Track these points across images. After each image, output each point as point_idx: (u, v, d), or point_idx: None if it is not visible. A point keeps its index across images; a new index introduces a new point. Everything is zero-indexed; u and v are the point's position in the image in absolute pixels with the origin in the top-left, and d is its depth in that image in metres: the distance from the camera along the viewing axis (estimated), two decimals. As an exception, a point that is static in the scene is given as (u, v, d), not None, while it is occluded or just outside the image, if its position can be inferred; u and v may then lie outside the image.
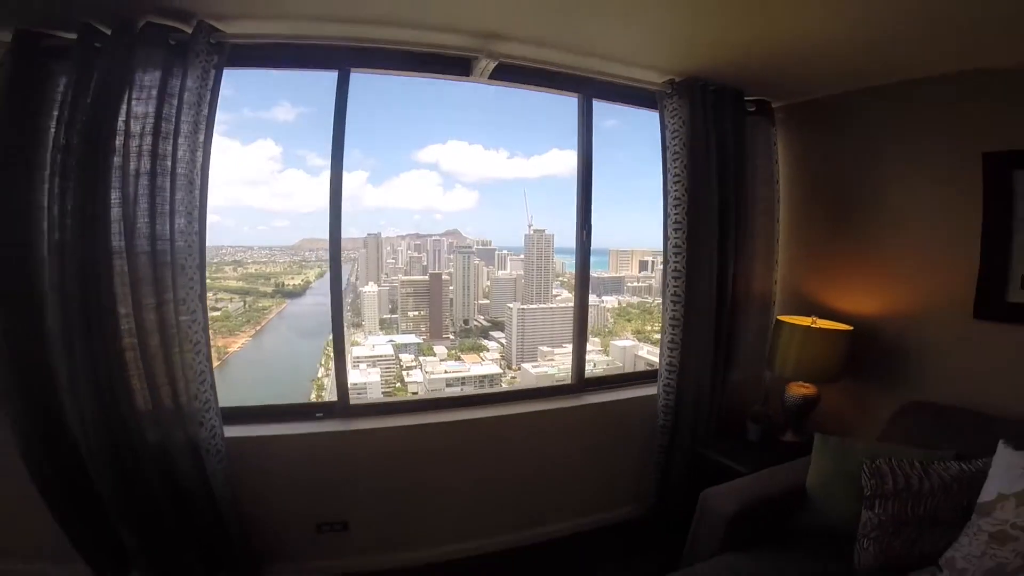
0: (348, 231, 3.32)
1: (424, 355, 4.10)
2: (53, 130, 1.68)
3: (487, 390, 3.33)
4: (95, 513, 1.88)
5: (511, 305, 4.60)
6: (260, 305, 4.01)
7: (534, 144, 3.90)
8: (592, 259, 2.60)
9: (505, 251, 4.70)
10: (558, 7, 1.71)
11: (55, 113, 1.68)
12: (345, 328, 3.84)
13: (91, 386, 1.72)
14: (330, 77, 2.06)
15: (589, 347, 2.72)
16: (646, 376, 2.75)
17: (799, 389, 2.35)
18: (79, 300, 1.66)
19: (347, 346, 3.57)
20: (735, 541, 1.80)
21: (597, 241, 2.57)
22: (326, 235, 2.19)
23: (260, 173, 3.58)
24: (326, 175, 2.10)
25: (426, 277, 4.55)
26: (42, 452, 1.80)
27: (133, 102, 1.63)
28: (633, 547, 2.47)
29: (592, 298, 2.75)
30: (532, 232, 4.24)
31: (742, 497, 1.88)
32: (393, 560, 2.29)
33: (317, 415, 2.25)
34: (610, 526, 2.63)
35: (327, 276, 2.26)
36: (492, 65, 2.04)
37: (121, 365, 1.74)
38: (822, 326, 2.28)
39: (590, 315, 2.68)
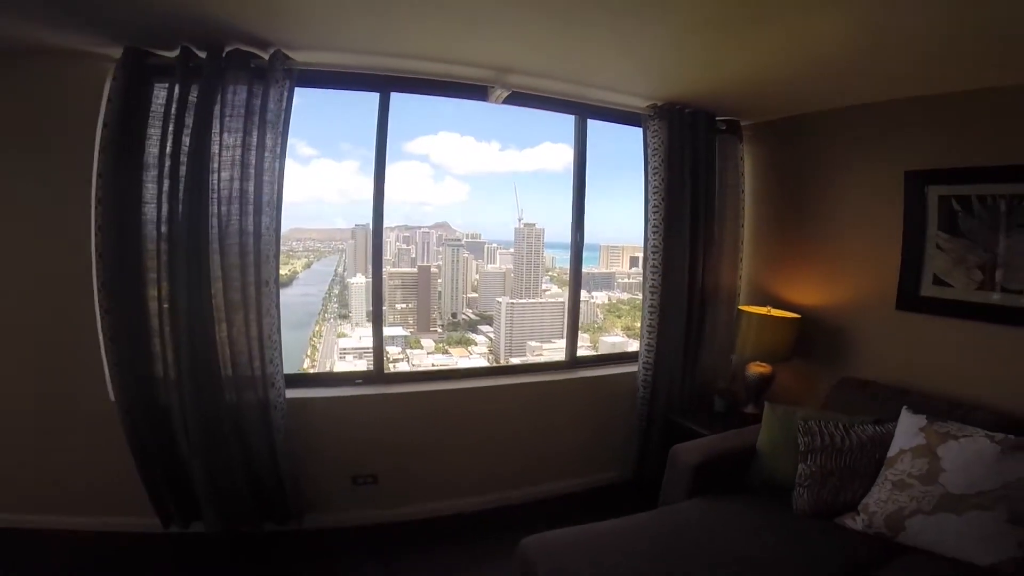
0: (335, 222, 3.67)
1: (411, 348, 4.08)
2: (157, 137, 2.11)
3: (495, 364, 3.67)
4: (175, 470, 2.28)
5: (500, 299, 4.54)
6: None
7: (527, 137, 3.91)
8: (583, 254, 3.04)
9: (495, 244, 4.63)
10: (562, 46, 2.14)
11: (159, 123, 2.11)
12: (331, 319, 4.21)
13: (186, 355, 2.13)
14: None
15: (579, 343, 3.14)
16: (629, 357, 3.18)
17: (757, 368, 2.77)
18: (184, 282, 2.08)
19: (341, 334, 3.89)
20: (699, 488, 2.18)
21: (588, 236, 3.00)
22: (314, 225, 2.61)
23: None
24: (316, 165, 2.52)
25: (415, 269, 4.50)
26: (139, 415, 2.20)
27: (225, 118, 2.08)
28: (616, 505, 2.87)
29: (582, 294, 3.15)
30: (523, 226, 4.17)
31: (705, 451, 2.29)
32: (424, 510, 2.70)
33: (357, 381, 2.67)
34: (598, 488, 3.03)
35: (314, 267, 2.59)
36: (506, 94, 2.49)
37: (211, 339, 2.16)
38: (775, 315, 2.71)
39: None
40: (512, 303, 4.40)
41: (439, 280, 4.66)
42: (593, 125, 2.91)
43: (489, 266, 4.37)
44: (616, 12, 1.74)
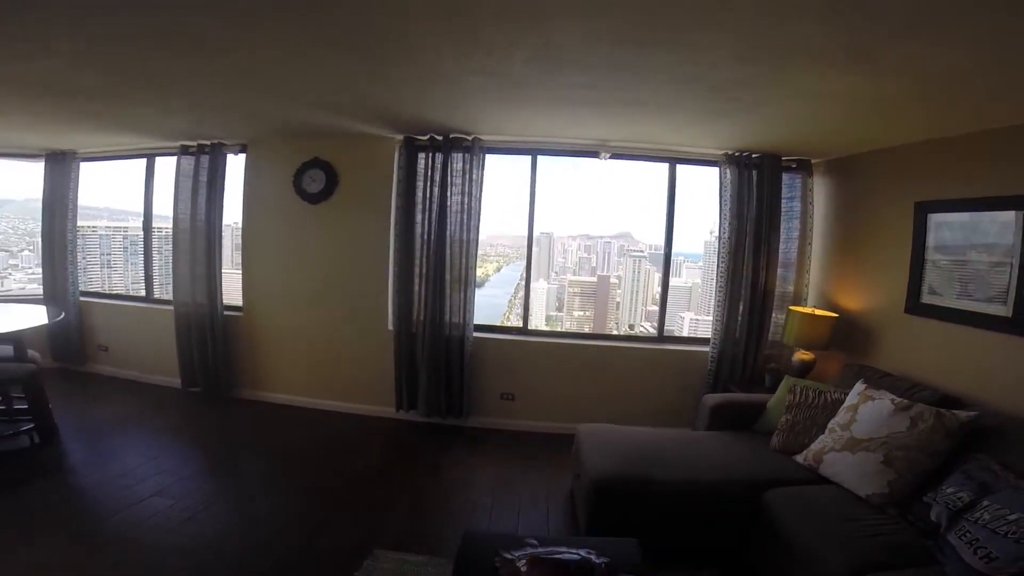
0: (520, 229, 4.45)
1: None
2: (421, 187, 4.05)
3: (605, 332, 4.80)
4: (411, 375, 4.15)
5: (684, 315, 4.75)
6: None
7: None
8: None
9: (681, 257, 4.68)
10: (642, 127, 3.35)
11: (422, 179, 4.02)
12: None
13: (429, 308, 4.01)
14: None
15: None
16: (703, 340, 4.12)
17: (802, 355, 3.48)
18: (433, 269, 3.97)
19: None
20: (716, 424, 3.16)
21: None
22: (510, 231, 4.15)
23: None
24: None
25: (594, 278, 4.93)
26: (404, 339, 4.16)
27: (453, 175, 3.90)
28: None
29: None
30: (714, 238, 4.14)
31: (724, 400, 3.25)
32: (541, 426, 4.17)
33: (511, 332, 4.34)
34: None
35: (503, 271, 3.97)
36: (608, 155, 3.83)
37: (442, 301, 4.01)
38: (817, 313, 3.40)
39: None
40: (696, 320, 4.62)
41: (618, 290, 5.03)
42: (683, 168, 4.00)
43: (674, 279, 4.34)
44: (708, 113, 2.80)
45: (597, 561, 1.71)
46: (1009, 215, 2.37)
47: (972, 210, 2.58)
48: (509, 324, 4.56)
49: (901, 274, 2.98)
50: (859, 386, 2.66)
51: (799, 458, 2.64)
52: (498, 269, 5.48)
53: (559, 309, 5.14)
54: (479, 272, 4.55)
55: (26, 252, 6.33)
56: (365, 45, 2.13)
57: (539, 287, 4.98)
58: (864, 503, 2.26)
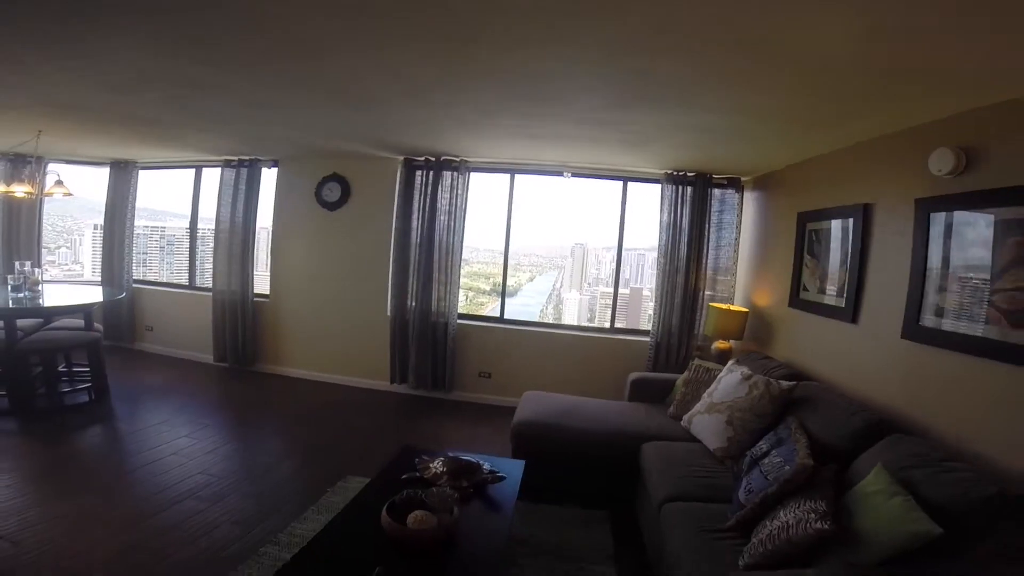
0: (554, 241, 5.15)
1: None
2: (418, 197, 4.91)
3: (565, 323, 5.52)
4: (403, 353, 5.00)
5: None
6: (479, 301, 5.58)
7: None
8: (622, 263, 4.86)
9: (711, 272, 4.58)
10: (595, 154, 4.17)
11: (419, 191, 4.89)
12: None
13: (420, 298, 4.86)
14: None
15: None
16: (645, 332, 4.84)
17: (721, 344, 4.17)
18: (422, 270, 4.83)
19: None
20: (635, 396, 3.86)
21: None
22: (544, 243, 5.00)
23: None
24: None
25: (627, 290, 5.04)
26: (399, 324, 5.03)
27: (441, 189, 4.76)
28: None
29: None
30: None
31: (638, 376, 3.98)
32: (511, 400, 4.90)
33: (491, 321, 5.12)
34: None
35: (536, 280, 4.75)
36: (570, 174, 4.66)
37: (430, 293, 4.85)
38: (731, 309, 4.11)
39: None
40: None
41: (651, 302, 5.06)
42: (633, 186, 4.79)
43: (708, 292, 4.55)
44: (630, 143, 3.64)
45: (485, 465, 2.47)
46: (849, 222, 3.06)
47: (827, 219, 3.28)
48: (488, 313, 5.34)
49: (788, 274, 3.67)
50: (730, 363, 3.34)
51: (683, 421, 3.27)
52: (531, 279, 5.87)
53: (591, 320, 5.41)
54: (511, 281, 5.29)
55: (63, 249, 7.34)
56: (374, 105, 3.01)
57: (571, 297, 5.48)
58: (711, 455, 2.82)
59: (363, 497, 2.28)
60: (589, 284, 5.58)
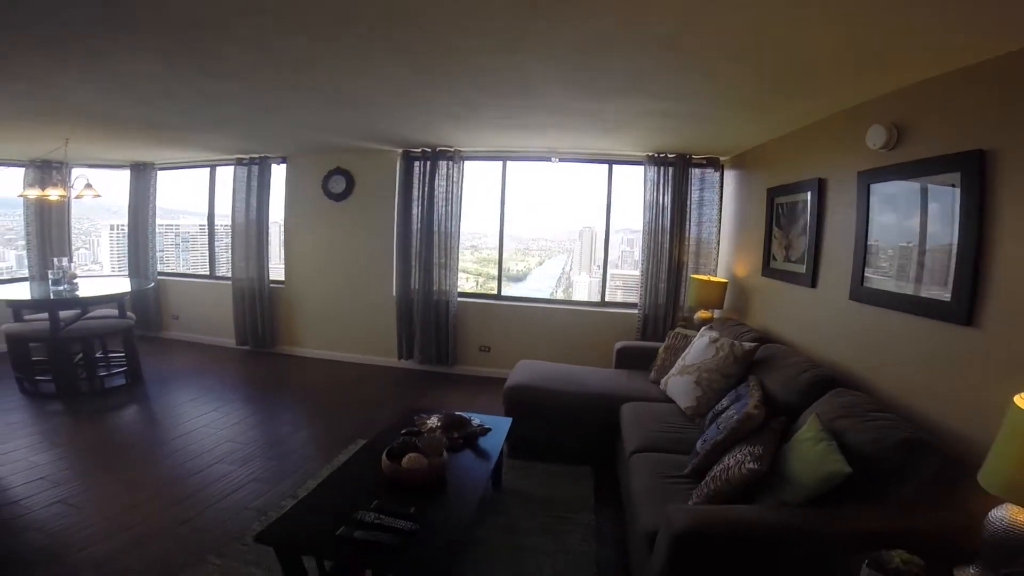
0: (562, 226, 5.42)
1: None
2: (416, 186, 5.22)
3: (559, 298, 5.82)
4: (409, 330, 5.38)
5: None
6: (489, 287, 5.67)
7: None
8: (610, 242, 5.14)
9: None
10: (581, 139, 4.43)
11: (417, 180, 5.20)
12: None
13: (423, 280, 5.21)
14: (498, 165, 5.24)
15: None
16: (634, 304, 5.11)
17: (703, 314, 4.44)
18: (424, 254, 5.17)
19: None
20: (621, 363, 4.17)
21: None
22: (551, 228, 5.32)
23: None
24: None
25: (636, 272, 5.11)
26: (404, 304, 5.39)
27: (439, 178, 5.06)
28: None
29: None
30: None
31: (624, 344, 4.28)
32: (509, 372, 5.25)
33: (489, 297, 5.45)
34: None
35: (545, 264, 5.11)
36: (557, 159, 4.91)
37: (432, 274, 5.19)
38: (711, 280, 4.37)
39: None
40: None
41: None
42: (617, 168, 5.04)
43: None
44: (608, 129, 3.90)
45: (475, 420, 2.81)
46: (808, 195, 3.29)
47: (791, 193, 3.51)
48: (485, 291, 5.67)
49: (760, 245, 3.92)
50: (703, 329, 3.63)
51: (661, 384, 3.55)
52: (540, 263, 6.05)
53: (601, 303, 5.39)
54: (521, 266, 5.58)
55: (81, 250, 7.69)
56: (368, 104, 3.30)
57: (581, 280, 5.72)
58: (682, 414, 3.08)
59: (369, 447, 2.64)
60: (598, 266, 5.66)
